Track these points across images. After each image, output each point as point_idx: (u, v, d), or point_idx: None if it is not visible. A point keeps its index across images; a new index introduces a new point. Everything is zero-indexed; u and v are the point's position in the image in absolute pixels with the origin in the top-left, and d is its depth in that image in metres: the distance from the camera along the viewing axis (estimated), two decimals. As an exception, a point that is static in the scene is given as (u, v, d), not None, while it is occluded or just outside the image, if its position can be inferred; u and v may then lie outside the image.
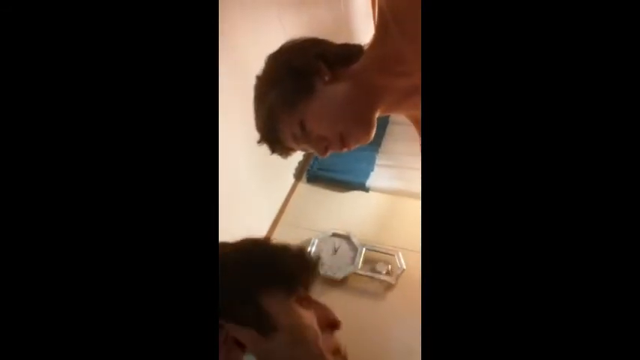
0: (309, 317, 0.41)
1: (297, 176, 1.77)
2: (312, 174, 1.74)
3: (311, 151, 0.63)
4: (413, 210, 1.53)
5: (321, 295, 1.34)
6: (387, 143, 1.84)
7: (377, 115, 0.61)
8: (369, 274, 1.36)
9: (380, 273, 1.36)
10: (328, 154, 0.61)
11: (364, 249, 1.41)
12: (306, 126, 0.57)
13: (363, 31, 2.21)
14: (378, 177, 1.70)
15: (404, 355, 1.19)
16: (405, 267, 1.35)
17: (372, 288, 1.36)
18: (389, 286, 1.34)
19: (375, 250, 1.42)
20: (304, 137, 0.59)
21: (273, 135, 0.60)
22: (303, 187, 1.74)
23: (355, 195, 1.67)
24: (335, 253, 1.44)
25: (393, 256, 1.38)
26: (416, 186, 1.56)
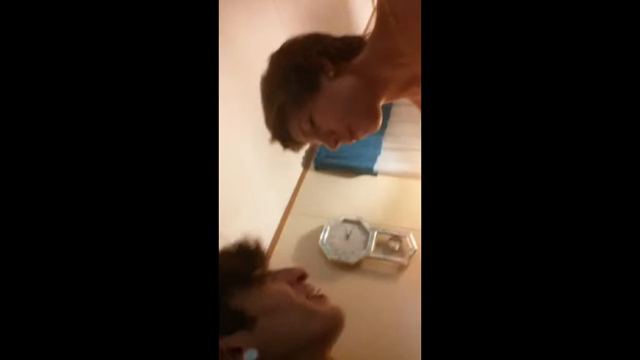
0: (274, 288, 0.43)
1: (305, 165, 1.78)
2: (319, 162, 1.75)
3: (321, 143, 0.64)
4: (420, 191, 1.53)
5: (336, 279, 1.37)
6: (392, 125, 1.83)
7: (382, 103, 0.61)
8: (382, 256, 1.38)
9: (392, 255, 1.38)
10: (338, 146, 0.62)
11: (375, 232, 1.43)
12: (315, 121, 0.59)
13: (361, 18, 2.18)
14: (385, 160, 1.71)
15: (418, 335, 1.21)
16: (416, 247, 1.37)
17: (386, 270, 1.38)
18: (402, 267, 1.36)
19: (387, 233, 1.43)
20: (314, 132, 0.60)
21: (285, 132, 0.62)
22: (312, 175, 1.75)
23: (364, 180, 1.68)
24: (347, 239, 1.46)
25: (405, 237, 1.40)
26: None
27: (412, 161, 1.65)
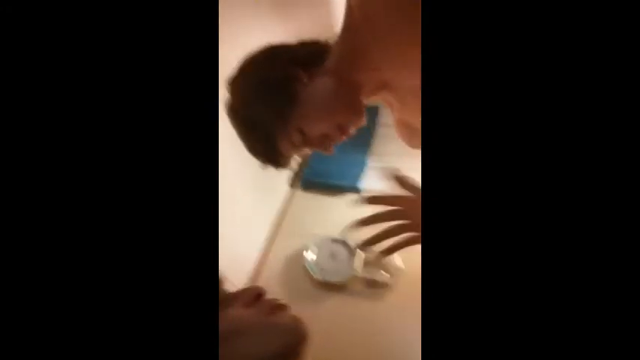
0: (230, 316, 0.41)
1: (292, 185, 1.78)
2: (305, 181, 1.75)
3: (314, 150, 0.63)
4: (407, 210, 1.54)
5: (322, 300, 1.35)
6: (376, 145, 1.85)
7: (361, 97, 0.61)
8: (368, 276, 1.38)
9: (379, 275, 1.37)
10: (332, 148, 0.62)
11: (362, 252, 1.42)
12: (305, 130, 0.58)
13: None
14: (371, 179, 1.72)
15: (406, 353, 1.20)
16: (403, 267, 1.36)
17: (372, 290, 1.37)
18: (389, 287, 1.36)
19: (372, 252, 1.42)
20: (305, 141, 0.59)
21: (275, 153, 0.61)
22: (299, 195, 1.75)
23: (349, 198, 1.69)
24: (333, 258, 1.45)
25: (390, 256, 1.40)
26: (408, 186, 1.57)
27: (397, 180, 1.66)
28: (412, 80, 0.53)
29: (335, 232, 1.50)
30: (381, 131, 1.90)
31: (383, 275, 1.36)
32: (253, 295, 0.44)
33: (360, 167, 1.76)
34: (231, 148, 1.23)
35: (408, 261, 1.37)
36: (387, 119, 1.94)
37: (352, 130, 0.62)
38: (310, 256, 1.44)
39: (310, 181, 1.75)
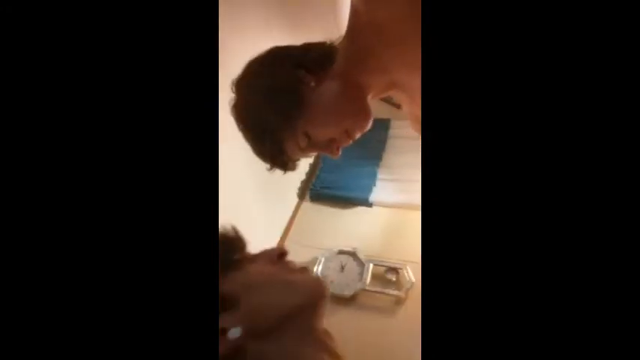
0: (254, 268, 0.44)
1: (301, 195, 1.77)
2: (314, 192, 1.75)
3: (320, 153, 0.63)
4: (417, 222, 1.53)
5: (331, 314, 1.33)
6: (387, 157, 1.85)
7: (369, 99, 0.61)
8: (378, 289, 1.35)
9: (389, 288, 1.35)
10: (339, 152, 0.62)
11: (371, 265, 1.40)
12: (311, 135, 0.58)
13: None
14: (381, 191, 1.71)
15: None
16: (414, 280, 1.34)
17: (382, 304, 1.34)
18: (399, 301, 1.33)
19: (383, 265, 1.40)
20: (312, 145, 0.59)
21: (282, 157, 0.61)
22: (307, 206, 1.74)
23: (359, 211, 1.67)
24: (342, 271, 1.43)
25: (401, 269, 1.37)
26: (418, 198, 1.56)
27: (407, 192, 1.65)
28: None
29: (344, 244, 1.48)
30: (391, 143, 1.90)
31: (393, 288, 1.34)
32: (276, 254, 0.46)
33: (370, 179, 1.75)
34: (239, 161, 1.24)
35: (418, 274, 1.34)
36: (398, 132, 1.94)
37: (359, 135, 0.62)
38: (319, 267, 1.42)
39: (319, 192, 1.74)
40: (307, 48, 0.59)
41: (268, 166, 0.62)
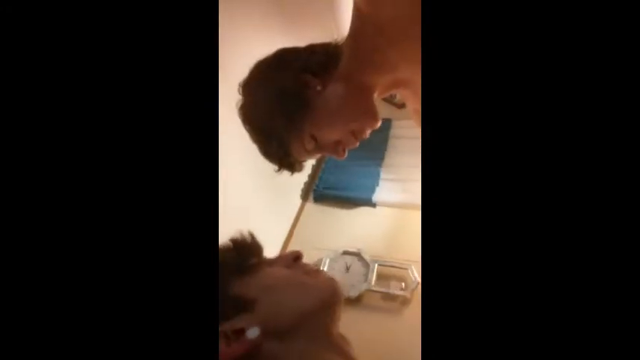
0: (270, 271, 0.45)
1: (304, 197, 1.77)
2: (318, 194, 1.75)
3: (327, 154, 0.63)
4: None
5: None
6: (389, 157, 1.84)
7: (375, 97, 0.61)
8: (384, 290, 1.35)
9: (394, 288, 1.35)
10: (346, 153, 0.62)
11: (376, 265, 1.40)
12: (318, 137, 0.58)
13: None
14: (384, 191, 1.70)
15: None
16: (419, 280, 1.33)
17: (388, 304, 1.34)
18: (405, 301, 1.32)
19: (388, 265, 1.40)
20: (319, 147, 0.60)
21: (289, 158, 0.61)
22: (311, 207, 1.74)
23: (363, 211, 1.67)
24: (347, 271, 1.43)
25: (407, 269, 1.37)
26: (423, 197, 1.55)
27: (410, 191, 1.65)
28: None
29: (349, 244, 1.48)
30: (393, 143, 1.89)
31: (399, 289, 1.33)
32: (292, 258, 0.47)
33: (373, 179, 1.75)
34: (242, 165, 1.24)
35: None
36: (400, 132, 1.93)
37: (367, 135, 0.62)
38: (324, 268, 1.42)
39: (322, 193, 1.74)
40: (313, 50, 0.59)
41: (276, 167, 0.63)
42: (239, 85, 0.60)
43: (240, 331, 0.39)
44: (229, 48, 1.10)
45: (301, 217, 1.70)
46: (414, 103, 0.69)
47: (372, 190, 1.70)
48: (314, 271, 0.46)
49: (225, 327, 0.39)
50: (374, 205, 1.67)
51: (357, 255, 1.46)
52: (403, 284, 1.36)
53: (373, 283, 1.36)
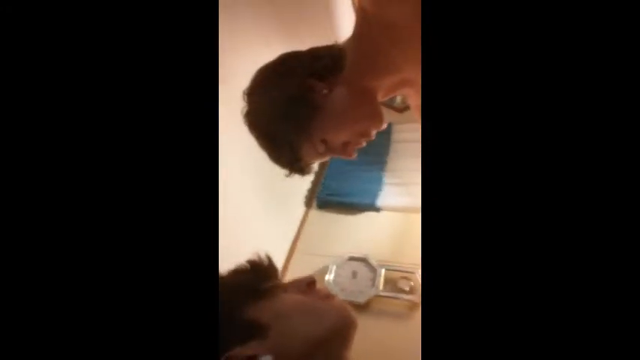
0: (285, 297, 0.45)
1: (308, 204, 1.78)
2: (321, 200, 1.75)
3: (337, 156, 0.63)
4: (427, 224, 1.52)
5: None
6: (392, 161, 1.84)
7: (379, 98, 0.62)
8: (392, 294, 1.34)
9: (403, 292, 1.34)
10: (355, 153, 0.62)
11: (383, 270, 1.39)
12: (328, 140, 0.59)
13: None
14: (388, 196, 1.70)
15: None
16: (426, 283, 1.33)
17: (397, 309, 1.33)
18: (413, 306, 1.32)
19: (395, 270, 1.39)
20: (329, 150, 0.60)
21: (300, 163, 0.61)
22: (315, 213, 1.74)
23: (367, 216, 1.67)
24: (354, 277, 1.42)
25: (414, 273, 1.36)
26: (427, 200, 1.54)
27: (414, 195, 1.64)
28: None
29: (354, 250, 1.48)
30: (394, 147, 1.90)
31: (407, 293, 1.32)
32: (306, 283, 0.48)
33: (377, 184, 1.75)
34: (245, 174, 1.24)
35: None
36: (400, 136, 1.93)
37: (373, 135, 0.62)
38: (331, 276, 1.42)
39: (326, 200, 1.74)
40: (316, 54, 0.59)
41: (287, 172, 0.63)
42: (243, 93, 0.59)
43: (252, 358, 0.39)
44: (229, 51, 1.12)
45: (305, 225, 1.70)
46: (416, 100, 0.69)
47: (376, 195, 1.69)
48: (327, 297, 0.46)
49: (236, 352, 0.39)
50: (378, 210, 1.67)
51: (364, 260, 1.46)
52: (409, 288, 1.35)
53: (381, 288, 1.35)
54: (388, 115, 1.85)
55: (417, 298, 1.31)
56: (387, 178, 1.77)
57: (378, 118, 0.61)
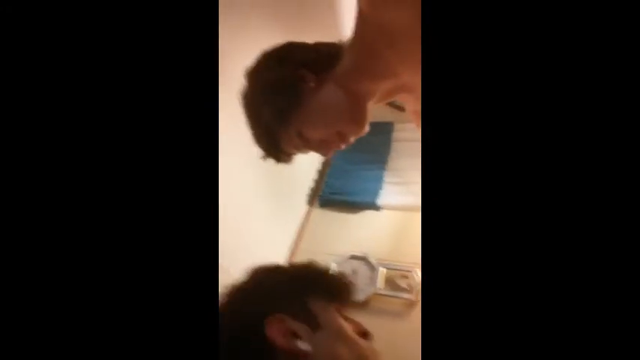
0: (345, 324, 0.48)
1: (310, 202, 1.78)
2: (324, 199, 1.75)
3: (314, 152, 0.63)
4: (427, 224, 1.52)
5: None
6: (392, 160, 1.85)
7: (369, 105, 0.61)
8: (391, 293, 1.35)
9: (401, 291, 1.35)
10: (331, 153, 0.62)
11: (383, 268, 1.40)
12: (304, 134, 0.59)
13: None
14: (388, 194, 1.71)
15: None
16: (426, 282, 1.33)
17: (395, 307, 1.34)
18: (412, 304, 1.32)
19: (394, 269, 1.40)
20: (305, 144, 0.60)
21: (277, 148, 0.61)
22: (317, 212, 1.75)
23: (367, 215, 1.67)
24: (354, 275, 1.43)
25: (412, 272, 1.37)
26: (427, 199, 1.54)
27: (414, 194, 1.65)
28: None
29: (355, 248, 1.48)
30: (395, 146, 1.90)
31: (405, 292, 1.33)
32: (363, 332, 0.52)
33: (377, 183, 1.75)
34: (248, 174, 1.25)
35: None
36: (402, 135, 1.94)
37: (352, 140, 0.62)
38: (331, 274, 1.42)
39: (328, 198, 1.75)
40: (317, 48, 0.59)
41: (263, 154, 0.63)
42: (244, 72, 0.60)
43: (297, 336, 0.43)
44: (229, 53, 1.12)
45: (308, 223, 1.71)
46: (414, 105, 0.69)
47: (376, 194, 1.70)
48: (365, 334, 0.51)
49: (287, 319, 0.43)
50: (378, 209, 1.67)
51: (364, 259, 1.46)
52: (409, 287, 1.36)
53: (380, 286, 1.36)
54: (389, 114, 1.86)
55: (416, 296, 1.32)
56: (388, 177, 1.78)
57: (359, 123, 0.60)
